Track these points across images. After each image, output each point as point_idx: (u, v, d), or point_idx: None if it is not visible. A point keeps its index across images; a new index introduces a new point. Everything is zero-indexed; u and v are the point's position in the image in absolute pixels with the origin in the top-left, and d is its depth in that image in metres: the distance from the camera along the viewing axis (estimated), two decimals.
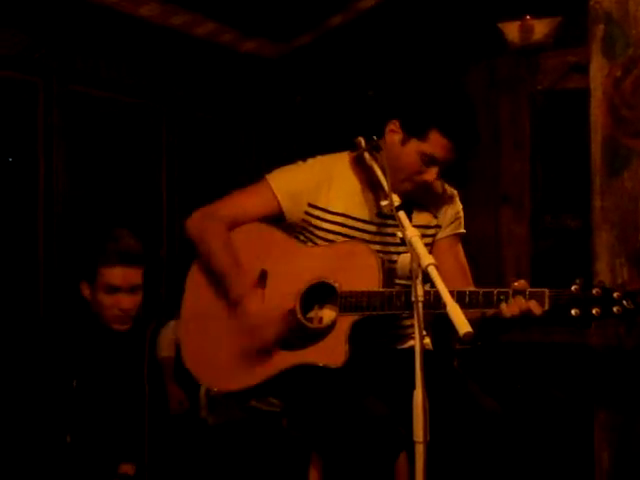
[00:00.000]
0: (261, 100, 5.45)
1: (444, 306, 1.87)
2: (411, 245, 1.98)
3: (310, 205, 2.51)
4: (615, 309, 2.13)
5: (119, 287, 2.73)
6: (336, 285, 2.38)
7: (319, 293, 2.42)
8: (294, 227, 2.56)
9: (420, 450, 1.82)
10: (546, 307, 2.18)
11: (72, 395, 2.72)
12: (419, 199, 2.54)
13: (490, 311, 2.22)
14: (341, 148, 2.63)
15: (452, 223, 2.60)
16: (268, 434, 3.15)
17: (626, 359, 2.54)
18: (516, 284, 2.22)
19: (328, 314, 2.40)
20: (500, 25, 4.98)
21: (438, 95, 2.48)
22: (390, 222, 2.46)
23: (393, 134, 2.46)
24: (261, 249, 2.52)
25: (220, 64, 5.09)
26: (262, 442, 3.31)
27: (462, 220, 2.63)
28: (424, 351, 1.89)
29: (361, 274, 2.36)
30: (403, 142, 2.43)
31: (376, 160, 2.35)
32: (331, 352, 2.33)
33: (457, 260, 2.58)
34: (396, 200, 2.17)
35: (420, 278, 1.93)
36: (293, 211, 2.52)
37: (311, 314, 2.43)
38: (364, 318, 2.33)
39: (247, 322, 2.38)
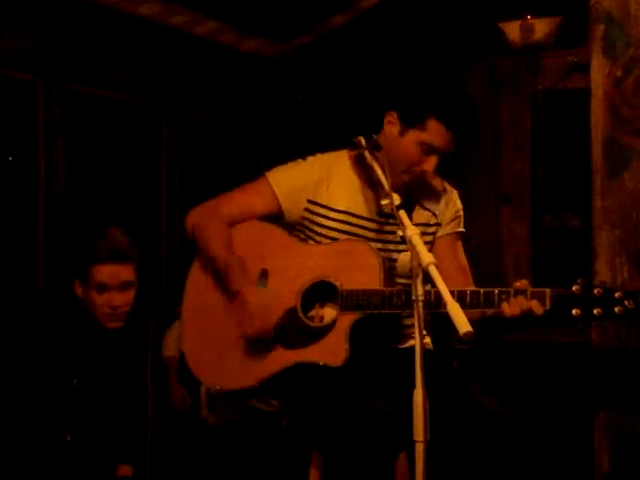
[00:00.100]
0: (262, 99, 5.45)
1: (444, 306, 1.87)
2: (411, 244, 1.98)
3: (310, 202, 2.51)
4: (617, 309, 2.12)
5: (109, 285, 2.73)
6: (337, 284, 2.37)
7: (320, 292, 2.42)
8: (294, 225, 2.56)
9: (420, 449, 1.83)
10: (547, 307, 2.18)
11: (72, 394, 2.72)
12: (419, 198, 2.54)
13: (491, 311, 2.22)
14: (342, 147, 2.63)
15: (452, 221, 2.60)
16: (268, 434, 3.15)
17: (627, 359, 2.54)
18: (517, 284, 2.22)
19: (329, 313, 2.40)
20: (501, 25, 4.98)
21: (434, 84, 2.50)
22: (391, 221, 2.46)
23: (391, 126, 2.47)
24: (262, 247, 2.52)
25: (221, 63, 5.09)
26: (262, 442, 3.31)
27: (462, 219, 2.63)
28: (424, 351, 1.89)
29: (362, 273, 2.36)
30: (401, 133, 2.43)
31: (376, 159, 2.35)
32: (331, 351, 2.33)
33: (457, 258, 2.58)
34: (397, 199, 2.16)
35: (420, 277, 1.93)
36: (292, 209, 2.52)
37: (312, 313, 2.43)
38: (365, 317, 2.33)
39: (247, 311, 2.37)
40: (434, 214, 2.57)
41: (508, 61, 5.30)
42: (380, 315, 2.33)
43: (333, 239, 2.48)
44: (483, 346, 4.41)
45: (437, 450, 1.92)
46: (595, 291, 2.15)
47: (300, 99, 5.59)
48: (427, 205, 2.57)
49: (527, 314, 2.18)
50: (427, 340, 2.61)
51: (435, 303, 2.16)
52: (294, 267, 2.45)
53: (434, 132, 2.38)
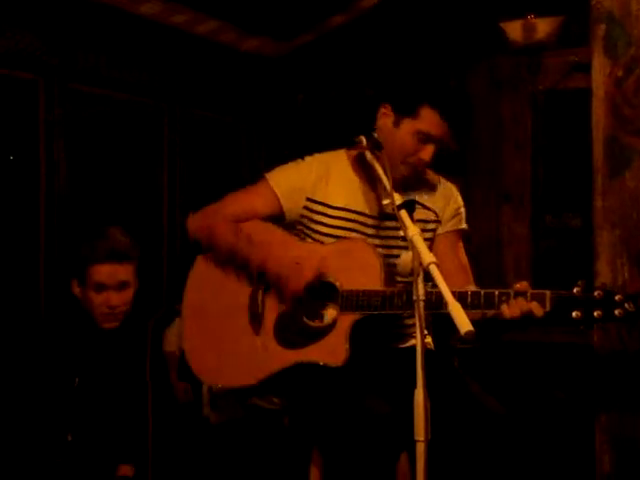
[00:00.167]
0: (262, 99, 5.45)
1: (445, 306, 1.87)
2: (413, 244, 1.98)
3: (309, 200, 2.52)
4: (617, 312, 2.12)
5: (107, 284, 2.73)
6: (337, 284, 2.38)
7: (321, 291, 2.42)
8: (294, 225, 2.57)
9: (421, 449, 1.82)
10: (547, 309, 2.17)
11: (73, 394, 2.72)
12: (420, 196, 2.53)
13: (491, 312, 2.22)
14: (343, 146, 2.64)
15: (453, 219, 2.60)
16: (269, 432, 3.15)
17: (629, 361, 2.54)
18: (518, 285, 2.22)
19: (329, 313, 2.40)
20: (502, 24, 4.98)
21: (425, 72, 2.50)
22: (392, 220, 2.46)
23: (385, 118, 2.48)
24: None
25: (221, 62, 5.09)
26: (263, 440, 3.31)
27: (463, 216, 2.63)
28: (425, 350, 1.89)
29: (363, 273, 2.36)
30: (396, 123, 2.45)
31: (377, 159, 2.35)
32: (332, 351, 2.33)
33: (457, 256, 2.58)
34: (398, 199, 2.16)
35: (421, 277, 1.93)
36: (292, 208, 2.52)
37: (313, 313, 2.43)
38: (365, 317, 2.33)
39: (280, 273, 2.37)
40: (434, 211, 2.58)
41: (509, 61, 5.30)
42: (380, 315, 2.33)
43: (332, 237, 2.49)
44: (484, 346, 4.41)
45: (438, 450, 1.92)
46: (595, 293, 2.15)
47: (301, 98, 5.59)
48: (428, 204, 2.57)
49: (527, 316, 2.17)
50: (428, 340, 2.61)
51: (436, 304, 2.16)
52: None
53: (428, 120, 2.39)
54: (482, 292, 2.23)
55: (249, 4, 4.64)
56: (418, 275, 1.93)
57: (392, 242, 2.49)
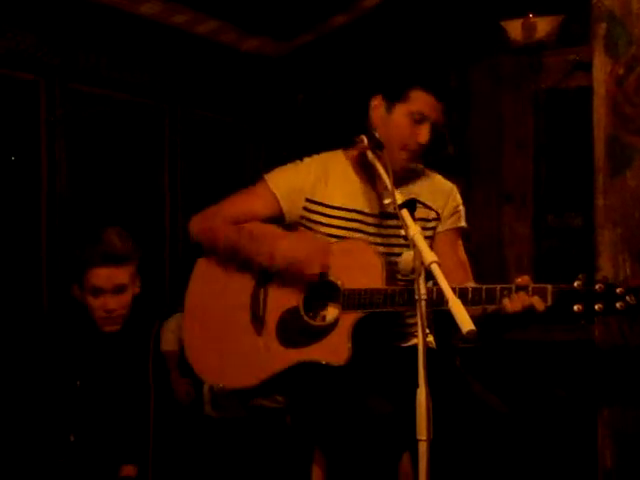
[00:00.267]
0: (263, 99, 5.45)
1: (446, 303, 1.87)
2: (414, 243, 1.98)
3: (308, 200, 2.53)
4: (618, 305, 2.12)
5: (104, 288, 2.72)
6: (339, 283, 2.38)
7: (323, 291, 2.42)
8: (294, 226, 2.57)
9: (423, 448, 1.82)
10: (549, 303, 2.18)
11: (76, 395, 2.73)
12: (420, 195, 2.54)
13: (492, 307, 2.22)
14: (344, 146, 2.65)
15: (452, 217, 2.61)
16: (271, 431, 3.15)
17: (630, 356, 2.54)
18: (519, 280, 2.22)
19: (331, 312, 2.41)
20: (503, 23, 4.98)
21: (410, 58, 2.54)
22: (393, 220, 2.47)
23: (378, 109, 2.51)
24: None
25: (222, 62, 5.09)
26: (265, 439, 3.31)
27: (462, 214, 2.64)
28: (427, 349, 1.89)
29: (364, 272, 2.36)
30: (389, 111, 2.48)
31: (379, 158, 2.35)
32: (334, 350, 2.33)
33: (457, 254, 2.59)
34: (399, 198, 2.17)
35: (423, 276, 1.93)
36: (292, 209, 2.53)
37: (314, 312, 2.43)
38: (367, 316, 2.34)
39: (292, 260, 2.37)
40: (435, 211, 2.58)
41: (510, 60, 5.30)
42: (382, 314, 2.33)
43: (332, 236, 2.49)
44: (486, 344, 4.41)
45: (440, 449, 1.92)
46: (596, 287, 2.15)
47: (301, 98, 5.59)
48: (428, 202, 2.58)
49: (528, 310, 2.17)
50: (430, 339, 2.61)
51: (437, 300, 2.16)
52: None
53: (419, 100, 2.42)
54: (483, 287, 2.23)
55: (249, 4, 4.64)
56: (420, 274, 1.93)
57: (393, 240, 2.49)
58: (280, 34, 5.12)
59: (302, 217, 2.54)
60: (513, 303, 2.18)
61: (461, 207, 2.63)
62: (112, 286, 2.73)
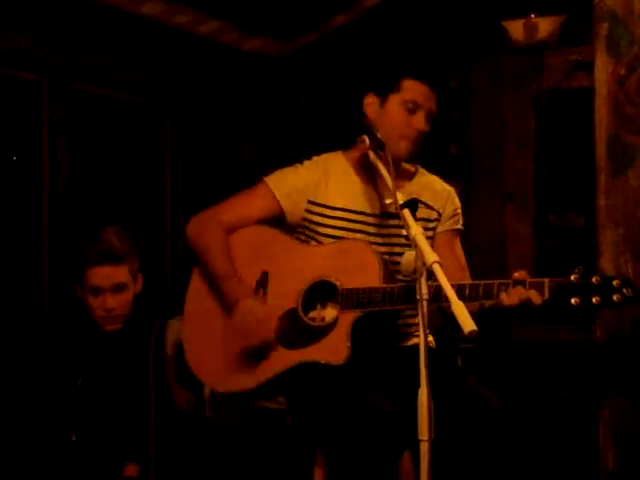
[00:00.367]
0: (265, 99, 5.45)
1: (444, 298, 1.87)
2: (415, 243, 1.99)
3: (310, 202, 2.54)
4: (615, 297, 2.12)
5: (103, 287, 2.73)
6: (337, 283, 2.38)
7: (321, 292, 2.42)
8: (295, 227, 2.59)
9: (425, 449, 1.82)
10: (546, 297, 2.17)
11: (77, 394, 2.73)
12: (421, 196, 2.55)
13: (489, 302, 2.22)
14: (345, 146, 2.65)
15: (451, 218, 2.63)
16: (273, 433, 3.15)
17: (632, 357, 2.54)
18: (516, 274, 2.22)
19: (330, 312, 2.41)
20: (504, 23, 4.97)
21: (398, 51, 2.58)
22: (395, 220, 2.47)
23: (372, 106, 2.55)
24: (262, 250, 2.53)
25: (224, 63, 5.09)
26: (266, 441, 3.31)
27: (460, 217, 2.67)
28: (428, 349, 1.89)
29: (362, 271, 2.37)
30: (382, 104, 2.52)
31: (380, 158, 2.35)
32: (333, 350, 2.33)
33: (454, 254, 2.60)
34: (401, 198, 2.17)
35: (425, 276, 1.93)
36: (293, 211, 2.54)
37: (313, 313, 2.43)
38: (366, 315, 2.34)
39: (241, 325, 2.40)
40: (437, 211, 2.60)
41: (512, 60, 5.30)
42: (381, 312, 2.33)
43: (334, 237, 2.50)
44: (487, 345, 4.41)
45: (441, 448, 1.92)
46: (593, 279, 2.15)
47: (303, 98, 5.59)
48: (429, 202, 2.59)
49: (525, 304, 2.17)
50: (430, 338, 2.61)
51: (435, 297, 2.16)
52: (294, 268, 2.46)
53: (411, 89, 2.48)
54: (481, 283, 2.23)
55: (251, 4, 4.64)
56: (421, 274, 1.93)
57: (395, 240, 2.50)
58: (282, 34, 5.12)
59: (304, 219, 2.55)
60: (510, 297, 2.18)
61: (459, 210, 2.65)
62: (111, 285, 2.73)
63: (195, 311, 2.59)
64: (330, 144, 2.69)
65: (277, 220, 2.57)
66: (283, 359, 2.40)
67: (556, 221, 5.41)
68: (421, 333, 1.86)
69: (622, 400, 2.56)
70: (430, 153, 2.65)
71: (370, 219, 2.53)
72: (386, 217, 2.52)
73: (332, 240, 2.50)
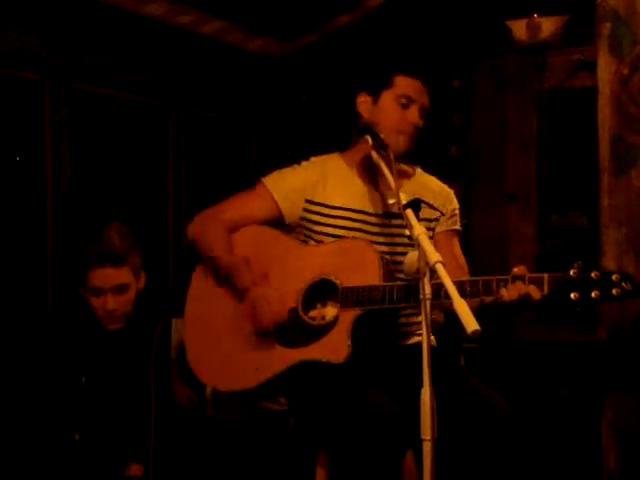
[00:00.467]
0: (267, 99, 5.45)
1: (445, 294, 1.88)
2: (419, 243, 1.99)
3: (308, 201, 2.55)
4: (614, 291, 2.12)
5: (104, 288, 2.73)
6: (337, 282, 2.39)
7: (321, 291, 2.43)
8: (294, 228, 2.59)
9: (428, 448, 1.82)
10: (545, 292, 2.17)
11: (80, 393, 2.73)
12: (422, 196, 2.55)
13: (489, 298, 2.22)
14: (347, 146, 2.66)
15: (450, 219, 2.65)
16: (275, 433, 3.15)
17: (635, 356, 2.54)
18: (516, 270, 2.22)
19: (330, 311, 2.41)
20: (507, 23, 4.97)
21: (388, 49, 2.60)
22: (397, 218, 2.48)
23: (365, 104, 2.58)
24: (262, 251, 2.54)
25: (226, 63, 5.09)
26: (269, 441, 3.31)
27: (458, 217, 2.69)
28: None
29: (361, 270, 2.38)
30: (375, 101, 2.56)
31: (383, 158, 2.36)
32: (334, 348, 2.34)
33: (453, 253, 2.61)
34: (403, 198, 2.17)
35: (428, 276, 1.93)
36: (292, 210, 2.55)
37: (313, 312, 2.44)
38: (366, 313, 2.34)
39: (255, 310, 2.41)
40: (440, 211, 2.61)
41: (514, 60, 5.30)
42: (381, 311, 2.33)
43: (333, 237, 2.50)
44: (490, 344, 4.41)
45: (444, 448, 1.92)
46: (592, 274, 2.15)
47: (305, 98, 5.59)
48: (430, 202, 2.60)
49: (525, 299, 2.17)
50: (431, 337, 2.61)
51: (435, 294, 2.16)
52: (295, 268, 2.47)
53: (403, 84, 2.52)
54: (480, 280, 2.23)
55: (254, 4, 4.65)
56: (424, 274, 1.93)
57: (398, 239, 2.50)
58: (284, 34, 5.12)
59: (302, 218, 2.56)
60: (510, 292, 2.18)
61: (457, 210, 2.68)
62: (112, 286, 2.74)
63: (196, 310, 2.60)
64: (331, 144, 2.70)
65: (275, 220, 2.58)
66: (283, 358, 2.40)
67: (559, 221, 5.41)
68: (424, 332, 1.86)
69: (625, 400, 2.56)
70: (432, 153, 2.66)
71: (372, 219, 2.54)
72: (389, 217, 2.53)
73: (332, 239, 2.51)
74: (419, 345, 1.86)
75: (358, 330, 2.34)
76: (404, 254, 2.40)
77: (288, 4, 4.69)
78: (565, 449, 3.81)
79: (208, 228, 2.56)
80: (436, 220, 2.61)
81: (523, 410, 2.43)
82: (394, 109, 2.51)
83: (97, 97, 4.43)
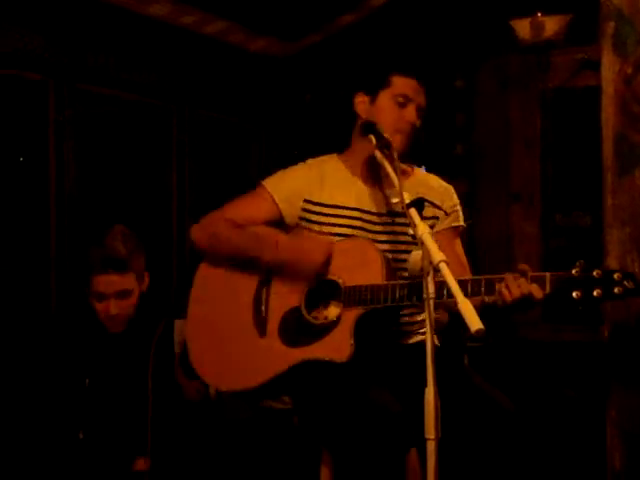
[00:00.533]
0: (270, 99, 5.45)
1: (448, 292, 1.87)
2: (422, 242, 1.99)
3: (306, 201, 2.56)
4: (616, 290, 2.11)
5: (106, 294, 2.74)
6: (339, 281, 2.39)
7: (324, 290, 2.43)
8: (293, 228, 2.59)
9: (432, 447, 1.82)
10: (547, 290, 2.17)
11: (84, 393, 2.74)
12: (424, 194, 2.55)
13: (491, 297, 2.22)
14: (348, 146, 2.67)
15: (449, 215, 2.63)
16: (279, 432, 3.15)
17: (638, 349, 2.53)
18: (518, 267, 2.22)
19: (333, 310, 2.41)
20: (511, 22, 4.97)
21: (385, 50, 2.60)
22: (400, 217, 2.48)
23: (363, 104, 2.59)
24: None
25: (230, 63, 5.09)
26: (273, 440, 3.32)
27: (460, 214, 2.67)
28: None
29: (364, 269, 2.38)
30: (372, 101, 2.57)
31: (387, 157, 2.36)
32: (337, 347, 2.34)
33: (454, 252, 2.59)
34: (407, 197, 2.17)
35: (431, 275, 1.93)
36: (291, 211, 2.56)
37: (316, 311, 2.44)
38: (369, 312, 2.34)
39: (296, 252, 2.42)
40: (443, 210, 2.60)
41: (518, 59, 5.30)
42: (384, 310, 2.33)
43: (333, 235, 2.51)
44: (494, 343, 4.41)
45: (448, 447, 1.91)
46: (594, 273, 2.14)
47: (309, 98, 5.60)
48: (432, 200, 2.59)
49: (527, 298, 2.17)
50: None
51: (437, 293, 2.16)
52: None
53: (400, 84, 2.53)
54: (482, 278, 2.23)
55: (258, 4, 4.65)
56: (428, 273, 1.93)
57: (401, 238, 2.50)
58: (288, 34, 5.13)
59: (301, 218, 2.57)
60: (512, 291, 2.18)
61: (458, 207, 2.66)
62: (115, 292, 2.74)
63: (199, 311, 2.60)
64: (336, 144, 2.71)
65: (276, 222, 2.59)
66: (286, 357, 2.40)
67: (563, 220, 5.41)
68: (428, 332, 1.86)
69: (630, 400, 2.56)
70: (436, 153, 2.65)
71: (374, 218, 2.54)
72: (391, 216, 2.53)
73: (334, 238, 2.51)
74: (422, 344, 1.86)
75: (361, 329, 2.34)
76: (407, 252, 2.41)
77: (291, 4, 4.69)
78: (570, 449, 3.81)
79: (218, 229, 2.55)
80: (437, 218, 2.61)
81: (527, 410, 2.43)
82: (391, 108, 2.52)
83: (101, 97, 4.43)
